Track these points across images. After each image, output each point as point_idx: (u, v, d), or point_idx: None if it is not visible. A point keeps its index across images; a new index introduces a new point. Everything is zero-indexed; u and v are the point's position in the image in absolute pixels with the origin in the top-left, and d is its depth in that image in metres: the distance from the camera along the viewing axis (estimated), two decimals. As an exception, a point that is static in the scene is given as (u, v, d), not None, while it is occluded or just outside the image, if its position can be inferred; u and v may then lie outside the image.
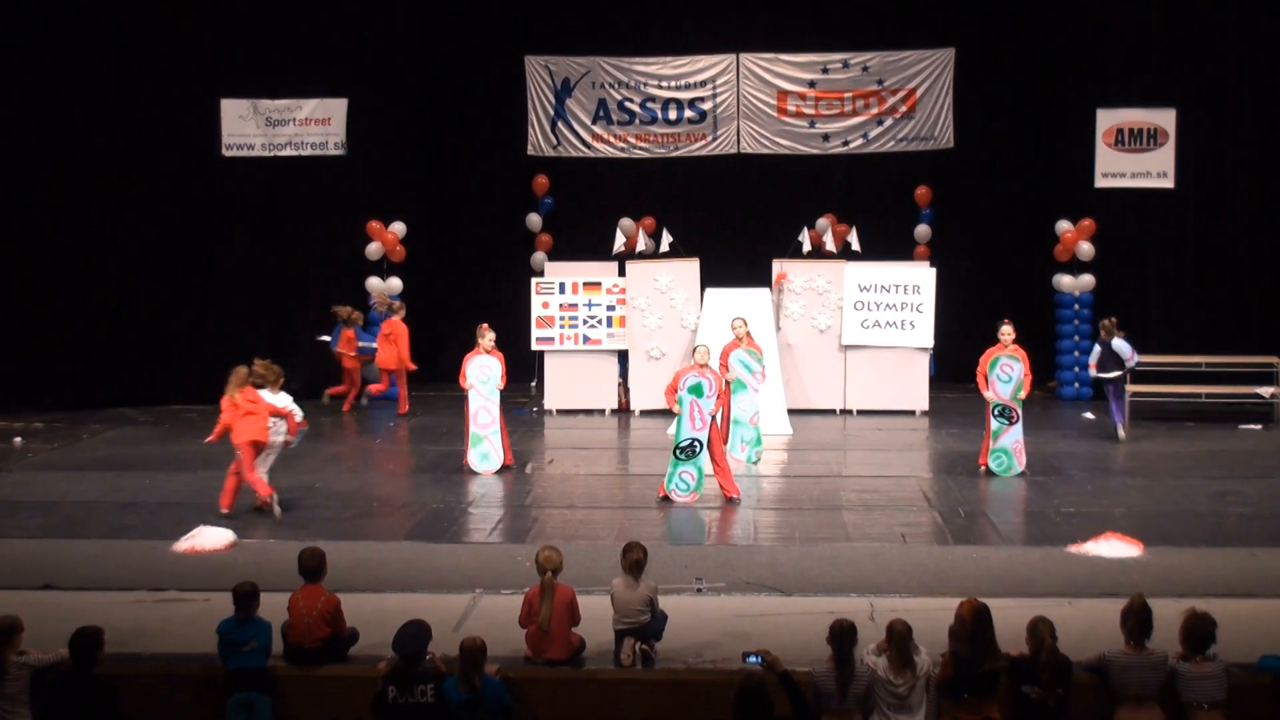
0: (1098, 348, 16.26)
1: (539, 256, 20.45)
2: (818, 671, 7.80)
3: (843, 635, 7.77)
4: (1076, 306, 19.52)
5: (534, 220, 20.90)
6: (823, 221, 19.78)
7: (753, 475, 14.22)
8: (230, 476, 12.50)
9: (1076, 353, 19.39)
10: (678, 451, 12.92)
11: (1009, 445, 14.06)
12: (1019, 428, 14.05)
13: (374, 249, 19.64)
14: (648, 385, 17.87)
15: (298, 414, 12.61)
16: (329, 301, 19.10)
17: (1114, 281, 19.39)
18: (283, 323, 19.25)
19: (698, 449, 12.89)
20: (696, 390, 12.87)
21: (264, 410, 12.31)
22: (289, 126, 19.38)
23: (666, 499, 12.91)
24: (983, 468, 14.11)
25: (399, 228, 19.66)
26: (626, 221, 19.76)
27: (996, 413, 14.03)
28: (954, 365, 19.58)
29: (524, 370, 19.85)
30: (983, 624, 7.76)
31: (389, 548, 11.41)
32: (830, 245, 18.59)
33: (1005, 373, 13.99)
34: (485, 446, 14.32)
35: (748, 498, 13.05)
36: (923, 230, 20.50)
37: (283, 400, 12.65)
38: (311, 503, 13.01)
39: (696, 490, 12.93)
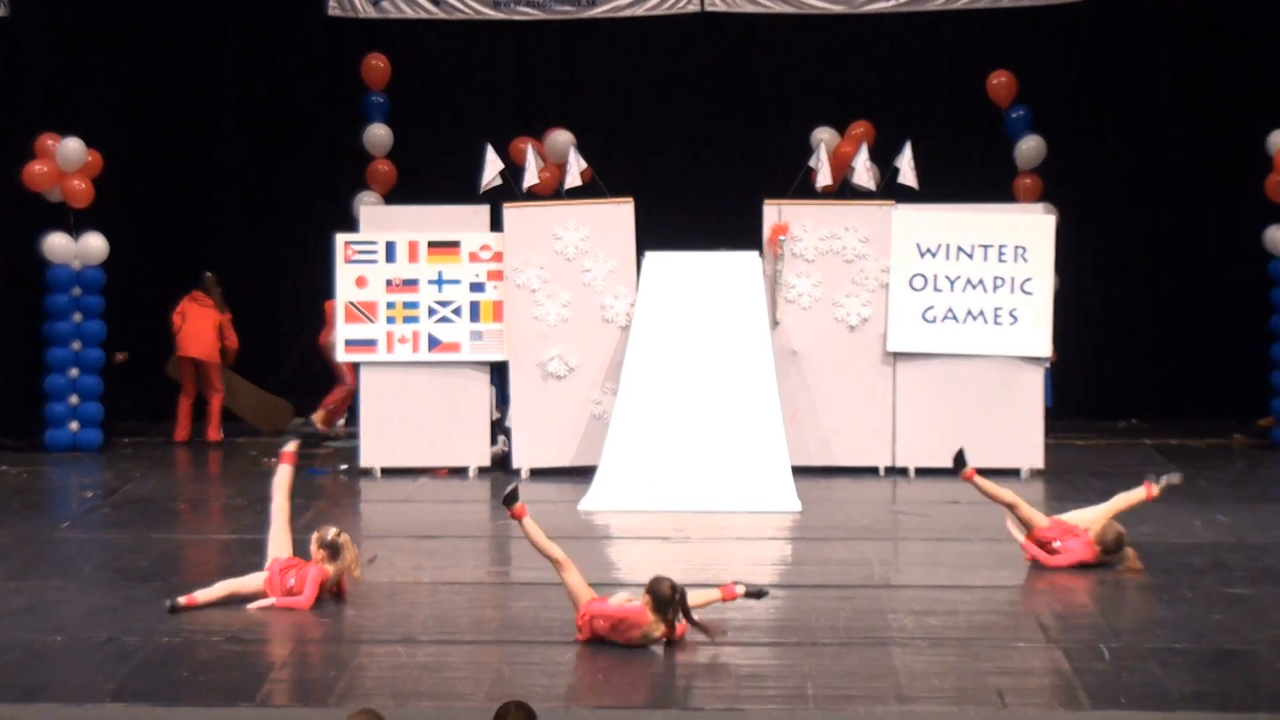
0: None
1: (370, 206, 20.44)
2: None
3: None
4: (1303, 282, 19.81)
5: (378, 134, 21.16)
6: (850, 134, 20.02)
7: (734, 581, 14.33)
8: None
9: (1304, 365, 19.70)
10: None
11: None
12: None
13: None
14: (543, 424, 17.93)
15: None
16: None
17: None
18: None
19: None
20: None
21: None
22: (-107, -37, 19.41)
23: None
24: None
25: (74, 150, 19.53)
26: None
27: None
28: (1087, 388, 19.77)
29: (322, 397, 20.02)
30: None
31: (85, 715, 11.45)
32: (865, 176, 18.75)
33: None
34: None
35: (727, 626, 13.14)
36: (1031, 147, 20.75)
37: None
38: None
39: None
